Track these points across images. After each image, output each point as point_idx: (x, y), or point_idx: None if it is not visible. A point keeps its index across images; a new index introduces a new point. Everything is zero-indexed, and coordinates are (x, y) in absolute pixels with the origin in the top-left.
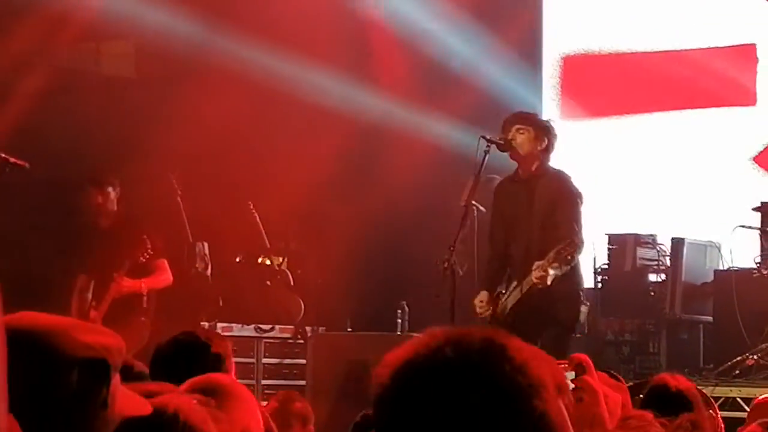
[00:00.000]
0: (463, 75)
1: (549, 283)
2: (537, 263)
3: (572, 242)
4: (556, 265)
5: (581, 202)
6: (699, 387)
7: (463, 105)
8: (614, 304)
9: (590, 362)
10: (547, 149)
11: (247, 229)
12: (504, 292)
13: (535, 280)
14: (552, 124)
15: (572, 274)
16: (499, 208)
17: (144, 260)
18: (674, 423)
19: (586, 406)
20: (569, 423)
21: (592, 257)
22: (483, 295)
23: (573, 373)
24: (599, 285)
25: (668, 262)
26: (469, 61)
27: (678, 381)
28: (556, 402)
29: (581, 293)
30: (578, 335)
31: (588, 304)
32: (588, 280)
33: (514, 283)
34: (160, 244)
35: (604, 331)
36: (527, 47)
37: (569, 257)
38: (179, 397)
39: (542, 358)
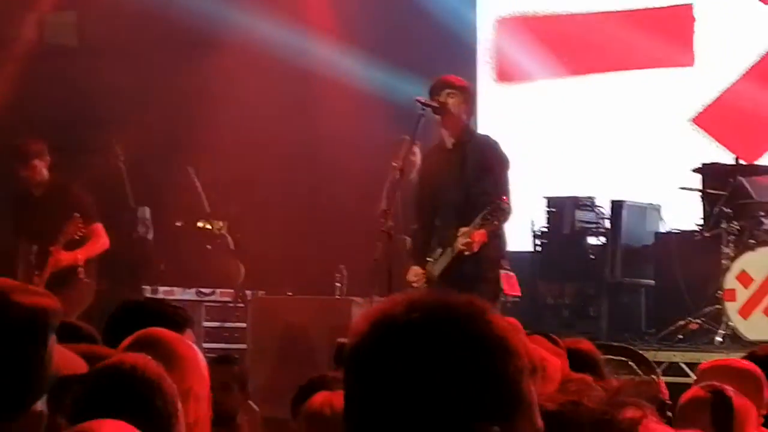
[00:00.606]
0: (400, 34)
1: (476, 249)
2: (463, 229)
3: (498, 207)
4: (482, 231)
5: (508, 168)
6: (641, 351)
7: (402, 62)
8: (554, 267)
9: (520, 326)
10: (470, 115)
11: (188, 194)
12: (431, 260)
13: (461, 247)
14: (472, 91)
15: (496, 240)
16: (427, 177)
17: (79, 237)
18: (614, 386)
19: None
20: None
21: (530, 221)
22: (415, 270)
23: None
24: (538, 248)
25: (608, 225)
26: (405, 20)
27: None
28: (528, 374)
29: (503, 258)
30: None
31: (509, 269)
32: (527, 244)
33: (439, 250)
34: (95, 209)
35: (544, 295)
36: (462, 9)
37: (496, 222)
38: (135, 355)
39: (518, 330)
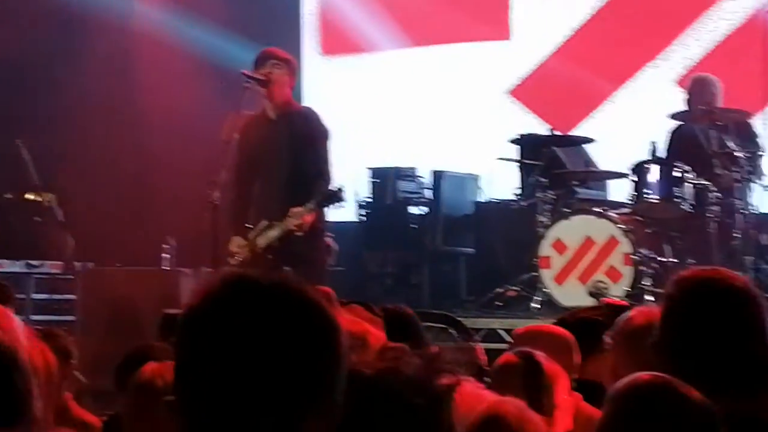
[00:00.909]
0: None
1: (307, 229)
2: (294, 210)
3: (333, 194)
4: (315, 214)
5: (328, 140)
6: (461, 318)
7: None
8: (377, 237)
9: (334, 294)
10: (293, 87)
11: (16, 166)
12: (255, 231)
13: (293, 228)
14: (296, 64)
15: (320, 213)
16: (246, 147)
17: None
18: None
19: None
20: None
21: (354, 191)
22: (237, 240)
23: None
24: (362, 218)
25: (429, 195)
26: None
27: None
28: (344, 345)
29: (325, 228)
30: (341, 268)
31: (332, 238)
32: (351, 214)
33: (265, 222)
34: None
35: (368, 264)
36: None
37: (326, 204)
38: None
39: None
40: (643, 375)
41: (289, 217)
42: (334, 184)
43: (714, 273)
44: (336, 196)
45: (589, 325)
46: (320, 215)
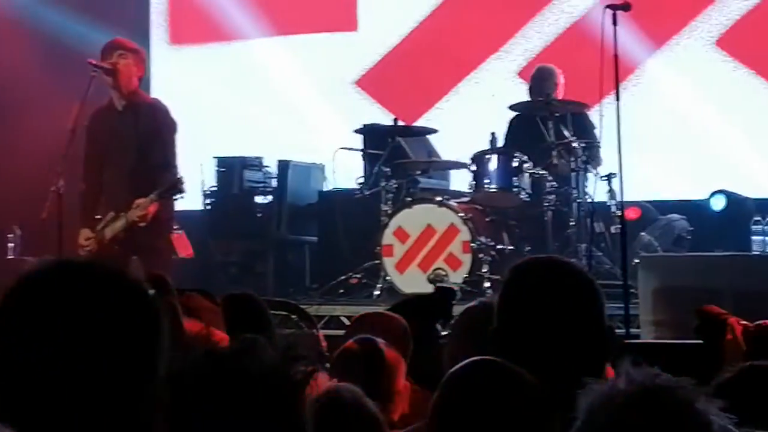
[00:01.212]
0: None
1: (149, 220)
2: (138, 201)
3: (175, 185)
4: (157, 204)
5: (176, 132)
6: (304, 306)
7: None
8: (223, 226)
9: (169, 281)
10: (141, 78)
11: None
12: (100, 219)
13: (136, 219)
14: (144, 53)
15: (167, 203)
16: (93, 138)
17: None
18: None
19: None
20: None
21: (200, 180)
22: (85, 233)
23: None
24: (208, 207)
25: (275, 184)
26: None
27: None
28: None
29: (173, 219)
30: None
31: (180, 228)
32: (196, 203)
33: (112, 214)
34: None
35: (214, 253)
36: None
37: (173, 198)
38: None
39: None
40: (476, 359)
41: (133, 208)
42: (176, 175)
43: (548, 260)
44: (176, 187)
45: (419, 311)
46: (166, 206)
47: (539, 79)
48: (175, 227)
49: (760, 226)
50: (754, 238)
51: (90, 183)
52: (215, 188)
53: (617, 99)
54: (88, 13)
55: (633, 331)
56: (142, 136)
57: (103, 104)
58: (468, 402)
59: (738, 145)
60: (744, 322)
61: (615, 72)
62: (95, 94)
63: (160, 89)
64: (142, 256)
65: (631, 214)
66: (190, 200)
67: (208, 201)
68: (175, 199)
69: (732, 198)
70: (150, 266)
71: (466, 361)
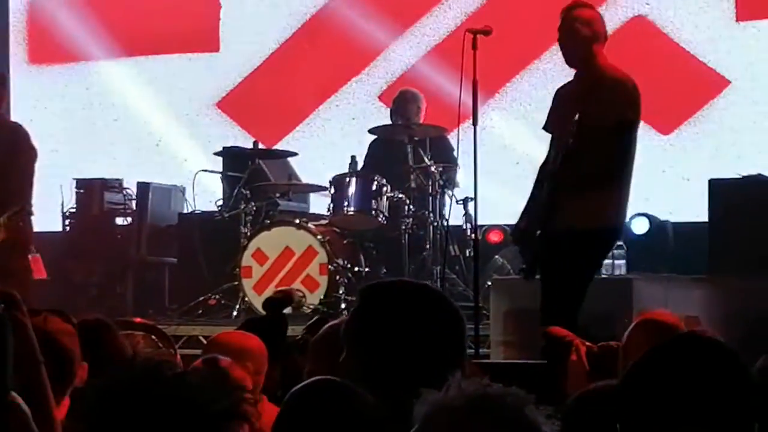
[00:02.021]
0: None
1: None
2: None
3: (23, 208)
4: (4, 230)
5: (36, 158)
6: (161, 326)
7: None
8: (82, 247)
9: (17, 297)
10: (2, 100)
11: None
12: None
13: None
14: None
15: (24, 228)
16: None
17: None
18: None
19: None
20: None
21: (60, 201)
22: None
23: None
24: (67, 228)
25: (135, 206)
26: None
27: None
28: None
29: (30, 243)
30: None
31: (35, 251)
32: (56, 224)
33: None
34: None
35: (73, 275)
36: None
37: (20, 224)
38: None
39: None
40: (317, 378)
41: None
42: (26, 199)
43: (395, 281)
44: (25, 210)
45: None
46: (22, 228)
47: (402, 102)
48: (32, 250)
49: (619, 251)
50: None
51: None
52: (74, 209)
53: (474, 123)
54: None
55: (483, 351)
56: (0, 160)
57: None
58: (307, 421)
59: None
60: (588, 344)
61: (473, 95)
62: None
63: (19, 109)
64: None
65: (494, 237)
66: (50, 221)
67: (67, 222)
68: (25, 218)
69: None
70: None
71: (309, 380)
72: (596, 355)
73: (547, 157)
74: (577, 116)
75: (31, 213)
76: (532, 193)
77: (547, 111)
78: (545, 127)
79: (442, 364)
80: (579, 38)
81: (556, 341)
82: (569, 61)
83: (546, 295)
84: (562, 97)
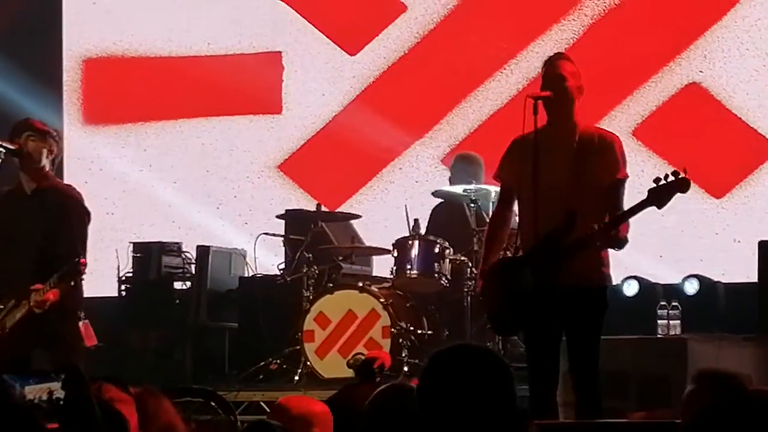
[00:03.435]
0: None
1: (46, 308)
2: (37, 287)
3: (75, 267)
4: (56, 291)
5: (89, 221)
6: (221, 393)
7: None
8: (139, 313)
9: (81, 369)
10: (55, 161)
11: None
12: (2, 308)
13: (33, 305)
14: (57, 135)
15: (74, 292)
16: (1, 222)
17: None
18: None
19: None
20: None
21: (116, 266)
22: None
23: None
24: (123, 293)
25: (194, 270)
26: None
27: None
28: None
29: (80, 310)
30: (101, 344)
31: (84, 317)
32: (112, 289)
33: (13, 302)
34: None
35: (129, 341)
36: (47, 48)
37: (72, 283)
38: None
39: None
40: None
41: (32, 294)
42: (76, 259)
43: (462, 346)
44: (75, 270)
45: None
46: (71, 293)
47: (461, 166)
48: (81, 317)
49: (665, 311)
50: (659, 322)
51: None
52: (131, 274)
53: (534, 186)
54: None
55: None
56: (49, 224)
57: (10, 188)
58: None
59: (646, 232)
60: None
61: (534, 160)
62: (4, 176)
63: (73, 170)
64: (47, 345)
65: None
66: (105, 286)
67: (123, 287)
68: (76, 282)
69: (643, 283)
70: (56, 355)
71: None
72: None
73: (499, 210)
74: (571, 171)
75: (82, 273)
76: (492, 245)
77: (500, 161)
78: (498, 177)
79: (498, 422)
80: (570, 92)
81: None
82: (554, 112)
83: (578, 354)
84: (530, 149)
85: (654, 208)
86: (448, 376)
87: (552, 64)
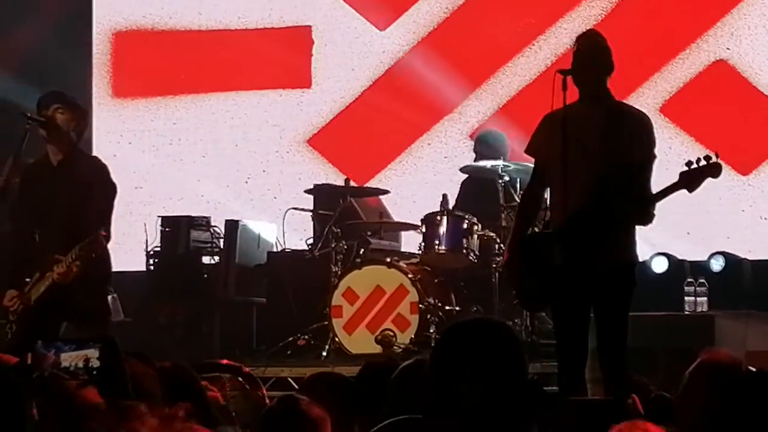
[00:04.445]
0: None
1: (68, 281)
2: (59, 258)
3: (96, 239)
4: (78, 263)
5: (114, 194)
6: (248, 368)
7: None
8: (167, 287)
9: (116, 342)
10: (81, 134)
11: None
12: (29, 280)
13: (56, 277)
14: (84, 109)
15: (102, 264)
16: (27, 194)
17: None
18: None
19: None
20: None
21: (144, 240)
22: (11, 293)
23: None
24: (151, 268)
25: (222, 244)
26: (15, 32)
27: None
28: None
29: (107, 282)
30: (128, 319)
31: (113, 292)
32: (140, 263)
33: (37, 274)
34: None
35: (157, 315)
36: (78, 20)
37: (93, 254)
38: None
39: None
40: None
41: (55, 266)
42: (98, 231)
43: (475, 320)
44: (96, 242)
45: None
46: (98, 265)
47: (488, 141)
48: (110, 290)
49: (692, 287)
50: (686, 298)
51: (21, 242)
52: (159, 248)
53: (564, 161)
54: (26, 70)
55: None
56: (77, 195)
57: (37, 159)
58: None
59: (673, 209)
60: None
61: (564, 135)
62: (30, 148)
63: (102, 144)
64: (75, 319)
65: None
66: (133, 261)
67: (151, 261)
68: (97, 254)
69: (672, 260)
70: (84, 330)
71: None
72: (652, 402)
73: (531, 185)
74: (605, 149)
75: (104, 245)
76: (524, 221)
77: (532, 136)
78: (529, 152)
79: (509, 394)
80: (605, 69)
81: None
82: (585, 89)
83: (607, 332)
84: (562, 125)
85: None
86: (461, 348)
87: (584, 41)
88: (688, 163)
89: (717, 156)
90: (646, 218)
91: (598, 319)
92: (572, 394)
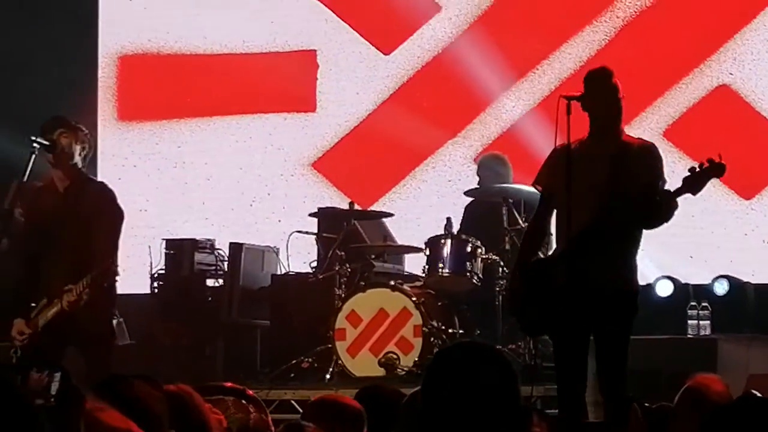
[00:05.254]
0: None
1: (78, 308)
2: (70, 287)
3: (108, 269)
4: (88, 291)
5: (122, 220)
6: (254, 390)
7: (10, 105)
8: (171, 309)
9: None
10: (87, 158)
11: None
12: (34, 305)
13: (65, 306)
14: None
15: (108, 291)
16: (33, 219)
17: None
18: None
19: None
20: None
21: (148, 263)
22: (19, 324)
23: None
24: (155, 290)
25: (226, 267)
26: (19, 57)
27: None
28: None
29: (112, 306)
30: (132, 342)
31: (119, 316)
32: (144, 286)
33: (44, 301)
34: None
35: (161, 337)
36: (83, 44)
37: (104, 284)
38: None
39: None
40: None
41: (65, 294)
42: (112, 261)
43: (466, 344)
44: (108, 271)
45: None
46: (104, 292)
47: (490, 165)
48: (115, 315)
49: (696, 311)
50: (689, 322)
51: (27, 269)
52: (163, 271)
53: (567, 186)
54: (32, 96)
55: None
56: (83, 223)
57: (42, 184)
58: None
59: (677, 233)
60: (646, 404)
61: (567, 161)
62: (35, 173)
63: (107, 167)
64: (80, 344)
65: None
66: (137, 283)
67: (155, 284)
68: (108, 279)
69: (677, 284)
70: (89, 355)
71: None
72: (654, 413)
73: (537, 216)
74: (608, 177)
75: (116, 274)
76: (527, 250)
77: (541, 168)
78: (537, 184)
79: (499, 419)
80: (618, 107)
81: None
82: (600, 124)
83: (606, 356)
84: (566, 158)
85: (683, 206)
86: (451, 374)
87: (599, 79)
88: (691, 169)
89: (720, 158)
90: (663, 213)
91: (597, 344)
92: (573, 417)
